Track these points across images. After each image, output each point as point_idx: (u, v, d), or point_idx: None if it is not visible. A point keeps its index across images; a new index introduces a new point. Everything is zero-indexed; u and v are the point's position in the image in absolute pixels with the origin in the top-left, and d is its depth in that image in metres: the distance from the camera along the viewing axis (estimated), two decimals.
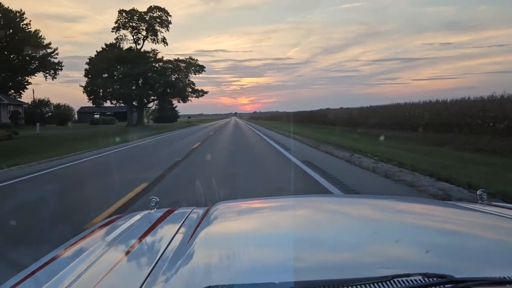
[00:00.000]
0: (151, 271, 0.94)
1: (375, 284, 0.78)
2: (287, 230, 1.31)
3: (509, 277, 0.77)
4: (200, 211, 1.59)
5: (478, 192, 1.70)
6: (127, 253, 1.16)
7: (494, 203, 1.66)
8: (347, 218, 1.48)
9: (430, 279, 0.77)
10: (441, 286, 0.75)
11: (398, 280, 0.78)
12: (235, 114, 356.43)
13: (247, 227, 1.42)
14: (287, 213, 1.62)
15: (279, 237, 1.24)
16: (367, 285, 0.77)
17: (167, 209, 1.73)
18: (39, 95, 64.31)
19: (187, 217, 1.51)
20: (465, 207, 1.58)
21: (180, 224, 1.40)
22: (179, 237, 1.23)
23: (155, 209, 1.70)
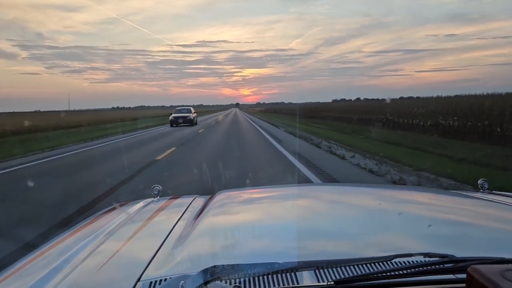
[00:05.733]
0: (156, 253, 0.96)
1: (377, 264, 0.80)
2: (290, 216, 1.36)
3: (508, 258, 0.76)
4: (203, 199, 1.61)
5: (479, 181, 1.66)
6: (132, 236, 1.18)
7: (495, 192, 1.62)
8: (350, 205, 1.51)
9: (431, 259, 0.78)
10: (442, 266, 0.75)
11: (399, 261, 0.80)
12: (237, 105, 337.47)
13: (250, 213, 1.47)
14: (291, 201, 1.65)
15: (282, 222, 1.28)
16: (369, 265, 0.80)
17: (169, 197, 1.76)
18: None
19: (190, 204, 1.52)
20: (466, 195, 1.62)
21: (183, 211, 1.40)
22: (183, 222, 1.24)
23: (158, 197, 1.73)
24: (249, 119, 37.83)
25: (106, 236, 1.15)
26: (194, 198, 1.63)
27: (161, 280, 0.79)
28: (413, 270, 0.75)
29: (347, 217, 1.32)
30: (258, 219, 1.34)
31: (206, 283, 0.73)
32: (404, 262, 0.79)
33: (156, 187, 1.76)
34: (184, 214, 1.35)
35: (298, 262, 0.79)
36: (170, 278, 0.78)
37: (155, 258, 0.92)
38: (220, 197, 1.57)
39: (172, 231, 1.14)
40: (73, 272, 0.88)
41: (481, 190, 1.64)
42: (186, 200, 1.62)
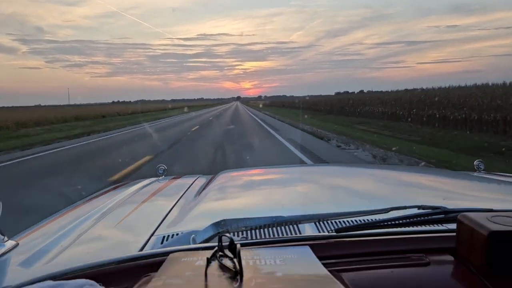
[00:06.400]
0: (165, 217, 1.01)
1: (375, 215, 0.86)
2: (294, 187, 1.45)
3: (497, 209, 0.77)
4: (205, 178, 1.64)
5: (475, 162, 1.67)
6: (139, 206, 1.23)
7: (492, 173, 1.64)
8: (350, 178, 1.63)
9: (424, 211, 0.83)
10: (434, 216, 0.80)
11: (395, 213, 0.83)
12: (238, 98, 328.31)
13: (253, 185, 1.59)
14: (294, 177, 1.72)
15: (285, 191, 1.38)
16: (367, 217, 0.87)
17: (173, 176, 1.80)
18: None
19: (193, 182, 1.55)
20: (461, 172, 1.77)
21: (188, 186, 1.45)
22: (188, 194, 1.30)
23: (163, 176, 1.77)
24: (262, 123, 24.70)
25: (113, 207, 1.17)
26: (197, 178, 1.65)
27: (173, 235, 0.85)
28: (407, 220, 0.79)
29: (348, 186, 1.43)
30: (261, 189, 1.46)
31: (215, 235, 0.76)
32: (399, 214, 0.82)
33: (161, 167, 1.79)
34: (189, 188, 1.40)
35: (302, 215, 0.85)
36: (182, 233, 0.83)
37: (165, 221, 0.98)
38: (223, 175, 1.64)
39: (179, 200, 1.20)
40: (88, 231, 0.93)
41: (477, 171, 1.66)
42: (189, 179, 1.65)
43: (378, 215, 0.85)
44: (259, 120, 24.88)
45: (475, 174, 1.62)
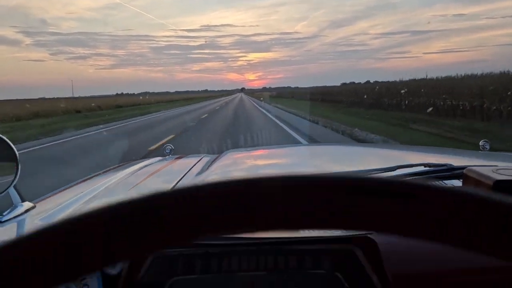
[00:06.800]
0: (178, 181, 1.07)
1: (381, 173, 0.86)
2: (302, 160, 1.56)
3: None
4: (209, 157, 1.69)
5: (481, 142, 1.64)
6: (145, 179, 1.28)
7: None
8: (357, 150, 1.79)
9: (431, 168, 0.84)
10: (440, 173, 0.82)
11: (402, 171, 0.86)
12: (242, 90, 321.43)
13: (261, 160, 1.65)
14: (302, 154, 1.81)
15: (294, 162, 1.48)
16: (374, 173, 0.86)
17: (177, 155, 1.84)
18: None
19: (198, 161, 1.60)
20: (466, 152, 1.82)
21: (195, 162, 1.51)
22: (193, 171, 1.34)
23: (169, 155, 1.80)
24: (282, 124, 17.13)
25: (119, 180, 1.24)
26: (202, 157, 1.67)
27: None
28: (414, 177, 0.79)
29: (356, 154, 1.53)
30: (269, 162, 1.53)
31: None
32: (405, 172, 0.84)
33: (168, 146, 1.81)
34: (196, 164, 1.43)
35: (312, 173, 1.00)
36: None
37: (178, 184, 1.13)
38: (229, 155, 1.67)
39: (184, 176, 1.23)
40: (100, 198, 0.99)
41: (483, 151, 1.77)
42: (194, 158, 1.68)
43: (384, 173, 0.86)
44: (272, 117, 17.28)
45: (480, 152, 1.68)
